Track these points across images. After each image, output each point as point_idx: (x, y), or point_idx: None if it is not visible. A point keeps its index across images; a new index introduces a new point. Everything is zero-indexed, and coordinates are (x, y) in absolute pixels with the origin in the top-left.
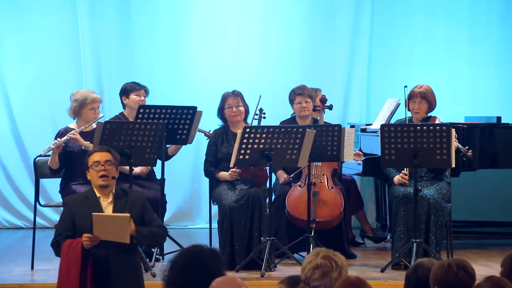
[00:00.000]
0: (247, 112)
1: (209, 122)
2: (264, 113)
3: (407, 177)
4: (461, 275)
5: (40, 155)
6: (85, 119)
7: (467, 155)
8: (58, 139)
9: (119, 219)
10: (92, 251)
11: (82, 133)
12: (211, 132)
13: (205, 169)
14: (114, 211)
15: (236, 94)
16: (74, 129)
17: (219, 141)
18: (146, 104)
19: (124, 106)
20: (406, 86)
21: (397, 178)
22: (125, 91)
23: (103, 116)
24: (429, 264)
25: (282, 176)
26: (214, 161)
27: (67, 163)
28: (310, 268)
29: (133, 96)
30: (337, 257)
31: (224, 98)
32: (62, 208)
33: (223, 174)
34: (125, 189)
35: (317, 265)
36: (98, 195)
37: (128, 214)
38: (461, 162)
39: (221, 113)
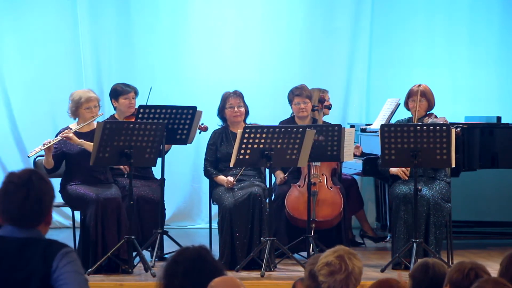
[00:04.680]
0: (247, 112)
1: (209, 122)
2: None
3: (407, 172)
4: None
5: (32, 154)
6: (83, 119)
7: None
8: (49, 139)
9: None
10: None
11: (81, 133)
12: (203, 125)
13: (204, 169)
14: None
15: (238, 95)
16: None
17: (219, 141)
18: (145, 104)
19: (114, 108)
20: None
21: (396, 169)
22: (115, 94)
23: (102, 115)
24: (434, 264)
25: (279, 176)
26: (214, 160)
27: (66, 163)
28: (323, 263)
29: (122, 100)
30: (351, 261)
31: (225, 98)
32: (62, 208)
33: (221, 179)
34: None
35: (328, 262)
36: None
37: None
38: (460, 161)
39: (221, 113)
